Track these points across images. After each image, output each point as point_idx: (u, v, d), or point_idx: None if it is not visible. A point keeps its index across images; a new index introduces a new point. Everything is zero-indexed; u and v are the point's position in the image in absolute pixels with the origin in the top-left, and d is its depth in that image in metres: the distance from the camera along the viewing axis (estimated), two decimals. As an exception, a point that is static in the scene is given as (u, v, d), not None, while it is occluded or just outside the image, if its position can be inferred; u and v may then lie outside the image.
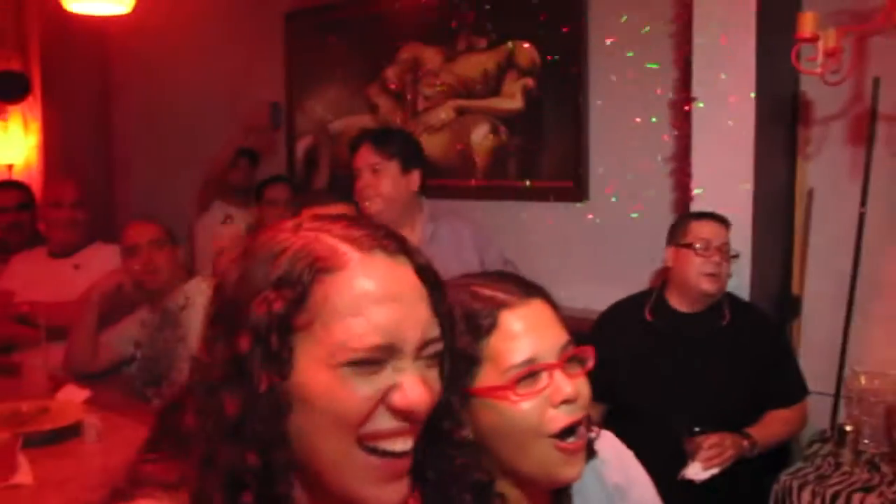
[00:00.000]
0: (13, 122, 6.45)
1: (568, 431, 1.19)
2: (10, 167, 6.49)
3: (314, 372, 0.86)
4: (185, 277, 3.22)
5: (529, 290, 1.27)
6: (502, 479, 1.24)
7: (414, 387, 0.87)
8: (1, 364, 3.21)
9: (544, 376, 1.19)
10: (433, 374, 0.93)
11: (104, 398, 2.79)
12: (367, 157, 2.97)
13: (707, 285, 2.76)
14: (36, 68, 6.11)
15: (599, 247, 3.87)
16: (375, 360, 0.86)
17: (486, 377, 1.20)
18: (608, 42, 3.82)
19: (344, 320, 0.86)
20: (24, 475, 2.14)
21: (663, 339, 2.80)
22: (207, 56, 5.02)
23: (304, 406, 0.86)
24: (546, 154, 4.07)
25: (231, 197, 4.71)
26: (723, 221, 2.85)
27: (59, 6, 3.03)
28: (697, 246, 2.77)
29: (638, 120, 3.70)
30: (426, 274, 0.94)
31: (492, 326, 1.21)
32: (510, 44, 4.15)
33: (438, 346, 0.93)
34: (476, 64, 4.30)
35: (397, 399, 0.87)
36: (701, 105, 3.09)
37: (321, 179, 4.70)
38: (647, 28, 3.65)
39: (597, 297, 3.17)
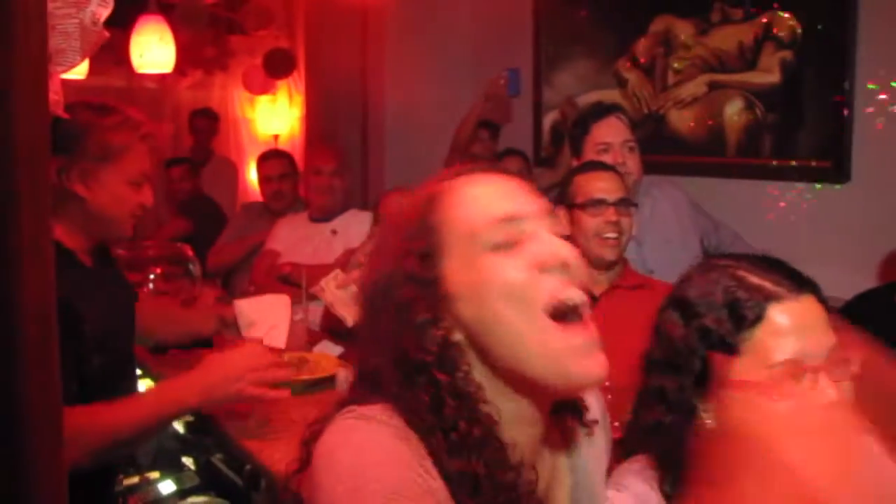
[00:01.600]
0: (280, 96, 6.94)
1: None
2: (276, 137, 6.99)
3: (468, 272, 0.98)
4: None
5: (802, 284, 1.21)
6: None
7: (556, 242, 0.99)
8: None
9: (808, 378, 1.14)
10: (561, 225, 1.08)
11: (356, 354, 2.95)
12: (620, 131, 2.91)
13: None
14: (300, 46, 6.52)
15: (857, 233, 3.60)
16: (508, 239, 0.97)
17: (745, 369, 1.16)
18: (882, 10, 3.53)
19: (469, 219, 0.99)
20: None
21: None
22: (456, 28, 5.14)
23: (477, 305, 0.97)
24: (804, 132, 3.84)
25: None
26: None
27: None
28: None
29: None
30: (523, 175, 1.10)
31: (758, 319, 1.17)
32: (769, 14, 3.94)
33: (552, 211, 1.05)
34: (731, 36, 4.12)
35: (545, 256, 0.97)
36: None
37: (567, 154, 4.69)
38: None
39: (844, 286, 2.96)
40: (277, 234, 4.14)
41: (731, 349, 1.17)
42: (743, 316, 1.17)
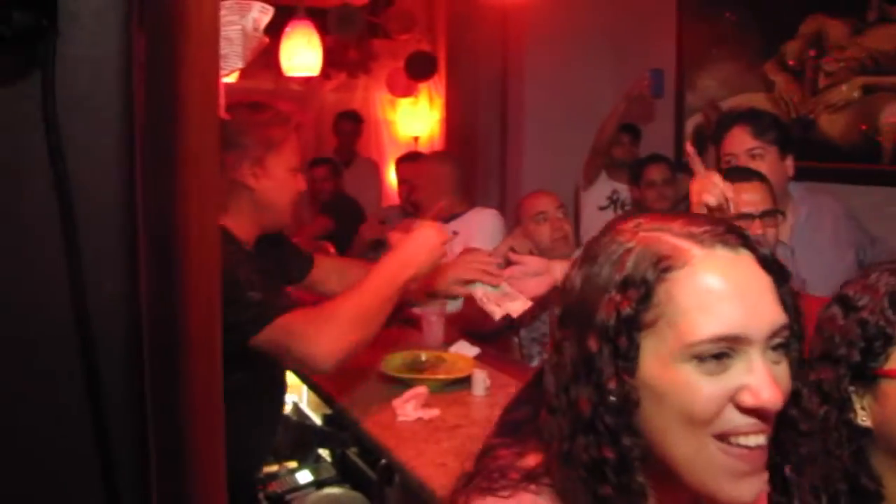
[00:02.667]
0: (421, 99, 7.04)
1: None
2: (416, 139, 7.10)
3: (661, 369, 0.88)
4: (573, 249, 3.31)
5: None
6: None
7: (764, 386, 0.86)
8: (406, 317, 3.53)
9: None
10: (782, 369, 0.90)
11: (491, 356, 2.97)
12: (744, 141, 2.79)
13: None
14: (442, 49, 6.60)
15: None
16: (721, 352, 0.86)
17: None
18: None
19: (688, 315, 0.87)
20: (433, 412, 2.41)
21: None
22: (597, 30, 5.09)
23: (652, 402, 0.88)
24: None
25: (616, 171, 4.75)
26: None
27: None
28: None
29: None
30: (770, 264, 0.92)
31: None
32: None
33: (786, 335, 0.90)
34: (889, 36, 3.93)
35: (747, 399, 0.86)
36: None
37: (711, 160, 4.58)
38: None
39: None
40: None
41: (890, 340, 1.17)
42: None
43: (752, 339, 0.87)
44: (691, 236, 0.91)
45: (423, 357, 2.79)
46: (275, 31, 4.63)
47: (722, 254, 0.89)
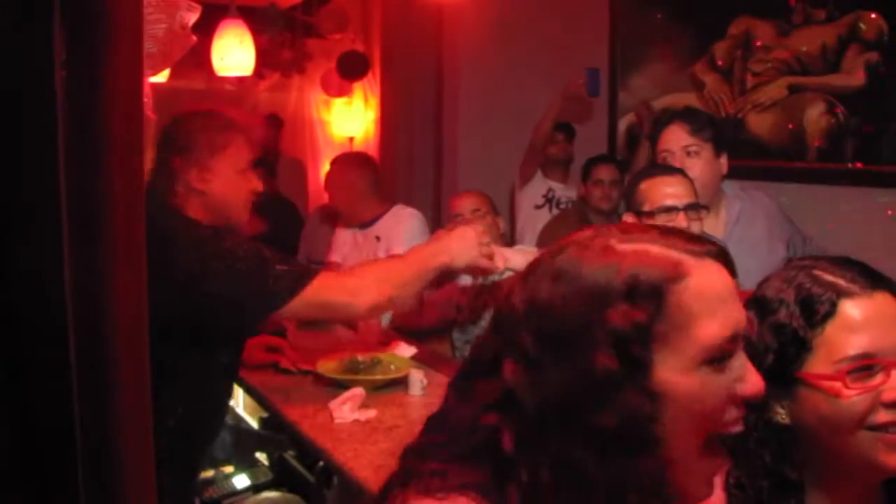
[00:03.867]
0: (356, 99, 7.01)
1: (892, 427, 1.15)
2: (351, 139, 7.06)
3: (681, 376, 0.90)
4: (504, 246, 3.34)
5: (876, 281, 1.21)
6: (816, 480, 1.22)
7: (755, 374, 0.94)
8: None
9: (880, 373, 1.15)
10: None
11: (428, 356, 2.98)
12: (680, 138, 2.84)
13: None
14: (376, 49, 6.57)
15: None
16: (728, 353, 0.92)
17: (815, 364, 1.18)
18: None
19: (700, 322, 0.90)
20: (370, 413, 2.42)
21: None
22: (531, 30, 5.13)
23: (668, 411, 0.89)
24: (889, 136, 3.74)
25: (551, 170, 4.79)
26: None
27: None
28: None
29: None
30: (733, 270, 0.98)
31: (829, 314, 1.18)
32: (853, 15, 3.85)
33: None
34: (813, 38, 4.03)
35: (747, 388, 0.93)
36: None
37: (643, 158, 4.65)
38: None
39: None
40: (336, 244, 4.19)
41: (804, 344, 1.19)
42: (815, 311, 1.19)
43: (739, 335, 0.94)
44: (678, 248, 0.94)
45: (360, 358, 2.78)
46: (206, 29, 4.58)
47: (710, 262, 0.95)
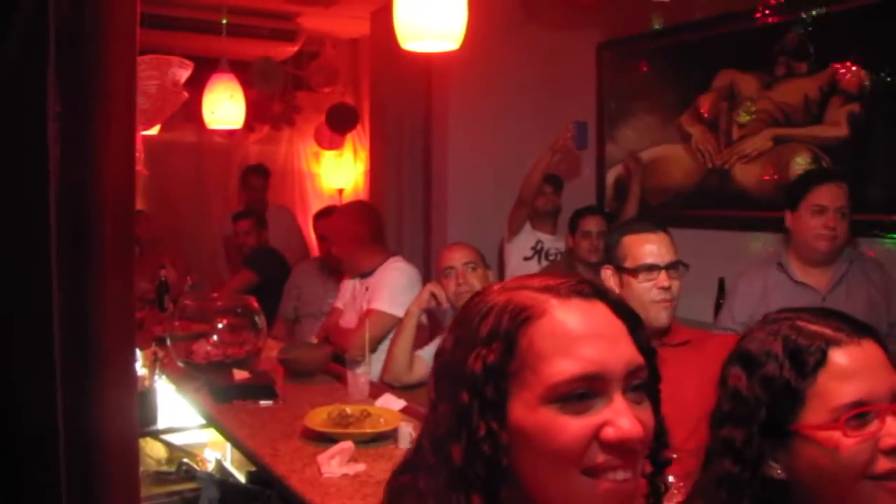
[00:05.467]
0: (346, 151, 7.06)
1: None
2: (340, 191, 7.10)
3: (528, 413, 0.91)
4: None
5: (860, 329, 1.23)
6: None
7: (625, 420, 0.89)
8: (331, 371, 3.51)
9: (875, 420, 1.15)
10: (645, 408, 0.94)
11: (417, 408, 2.95)
12: (838, 197, 3.02)
13: None
14: (366, 102, 6.65)
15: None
16: (582, 392, 0.90)
17: (810, 415, 1.18)
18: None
19: (549, 360, 0.91)
20: (358, 467, 2.38)
21: None
22: (520, 83, 5.19)
23: (521, 446, 0.91)
24: (874, 185, 3.78)
25: (540, 222, 4.82)
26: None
27: (390, 46, 3.27)
28: None
29: None
30: (623, 311, 0.97)
31: (819, 363, 1.19)
32: (834, 67, 3.91)
33: (643, 375, 0.95)
34: (796, 90, 4.10)
35: (609, 433, 0.89)
36: None
37: (631, 209, 4.68)
38: None
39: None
40: (340, 291, 4.23)
41: (796, 396, 1.19)
42: (804, 361, 1.19)
43: (611, 377, 0.91)
44: (548, 289, 0.96)
45: (349, 411, 2.75)
46: (197, 83, 4.61)
47: (577, 302, 0.95)
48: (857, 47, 3.81)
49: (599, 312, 0.95)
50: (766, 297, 3.07)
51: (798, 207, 3.09)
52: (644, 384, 0.95)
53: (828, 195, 3.03)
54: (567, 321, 0.93)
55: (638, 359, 0.94)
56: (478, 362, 0.93)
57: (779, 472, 1.21)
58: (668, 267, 2.43)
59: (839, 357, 1.18)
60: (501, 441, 0.91)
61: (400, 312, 3.67)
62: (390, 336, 3.65)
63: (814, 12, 3.96)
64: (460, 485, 0.92)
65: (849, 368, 1.18)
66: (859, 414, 1.15)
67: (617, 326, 0.95)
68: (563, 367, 0.90)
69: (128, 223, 0.68)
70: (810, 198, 3.06)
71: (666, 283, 2.40)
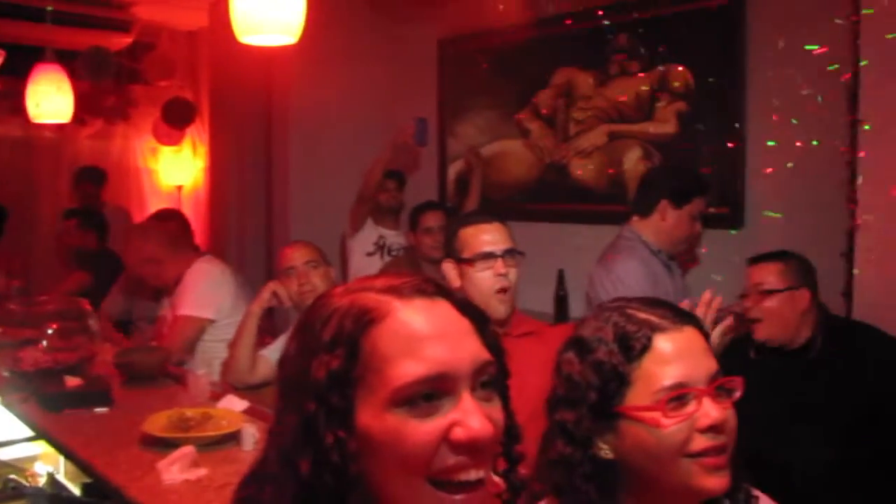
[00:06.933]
0: (185, 147, 6.86)
1: (710, 452, 1.22)
2: (179, 188, 6.89)
3: (375, 419, 0.89)
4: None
5: (684, 317, 1.30)
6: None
7: (474, 418, 0.88)
8: (171, 374, 3.40)
9: (693, 401, 1.23)
10: (494, 405, 0.93)
11: (260, 409, 2.90)
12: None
13: None
14: (205, 96, 6.48)
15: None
16: (428, 393, 0.88)
17: (635, 397, 1.25)
18: (768, 62, 3.70)
19: (393, 363, 0.89)
20: (200, 472, 2.32)
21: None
22: (361, 78, 5.18)
23: (370, 453, 0.89)
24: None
25: (382, 218, 4.82)
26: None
27: (229, 39, 3.19)
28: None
29: (799, 144, 3.56)
30: (468, 309, 0.96)
31: (644, 349, 1.26)
32: (663, 67, 4.09)
33: (492, 371, 0.93)
34: (628, 88, 4.27)
35: (458, 433, 0.88)
36: (868, 127, 2.96)
37: (472, 203, 4.75)
38: (813, 46, 3.50)
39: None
40: (165, 300, 4.12)
41: (623, 379, 1.25)
42: (631, 347, 1.26)
43: (458, 376, 0.89)
44: (391, 290, 0.94)
45: (189, 414, 2.67)
46: (21, 74, 4.38)
47: (420, 302, 0.93)
48: (684, 49, 4.00)
49: (443, 311, 0.94)
50: (657, 282, 3.19)
51: (682, 207, 3.24)
52: (492, 381, 0.93)
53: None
54: (411, 322, 0.91)
55: (484, 355, 0.92)
56: (321, 369, 0.90)
57: (606, 451, 1.27)
58: (505, 254, 2.47)
59: (662, 343, 1.25)
60: (349, 449, 0.88)
61: (206, 313, 3.75)
62: (212, 336, 3.72)
63: (643, 15, 4.13)
64: (308, 496, 0.89)
65: (670, 353, 1.25)
66: (679, 396, 1.22)
67: (462, 324, 0.94)
68: (408, 369, 0.88)
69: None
70: (696, 204, 3.26)
71: (503, 270, 2.44)
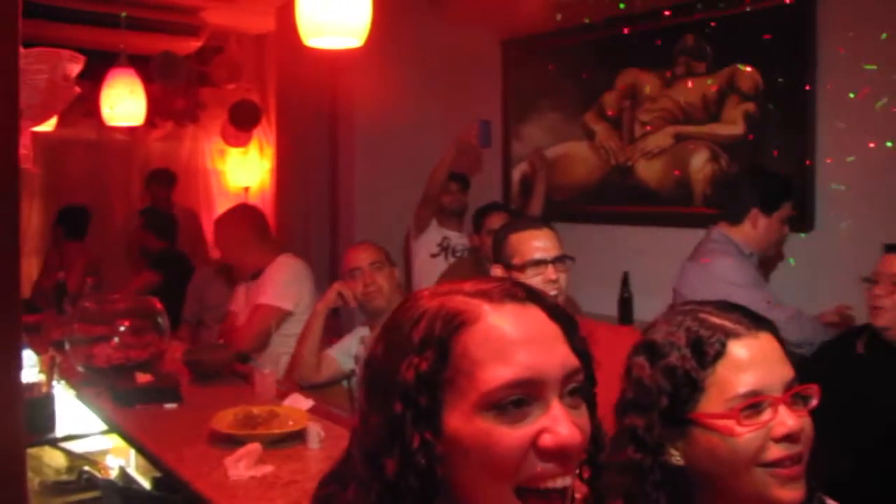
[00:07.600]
0: (251, 148, 6.96)
1: (785, 461, 1.19)
2: (246, 189, 6.99)
3: (463, 423, 0.88)
4: (402, 297, 3.34)
5: (759, 322, 1.27)
6: None
7: (562, 425, 0.88)
8: (238, 371, 3.45)
9: (768, 409, 1.20)
10: (581, 413, 0.93)
11: (325, 408, 2.93)
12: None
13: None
14: (271, 98, 6.56)
15: (824, 280, 3.65)
16: (518, 399, 0.88)
17: (708, 404, 1.22)
18: (839, 60, 3.62)
19: (484, 367, 0.88)
20: (266, 469, 2.35)
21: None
22: (425, 80, 5.19)
23: (457, 457, 0.88)
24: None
25: (446, 219, 4.83)
26: None
27: (295, 42, 3.23)
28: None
29: (872, 145, 3.48)
30: (557, 314, 0.95)
31: (719, 354, 1.23)
32: (731, 67, 4.03)
33: (580, 378, 0.93)
34: (695, 89, 4.21)
35: (547, 440, 0.87)
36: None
37: (536, 205, 4.73)
38: (885, 35, 3.40)
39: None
40: (235, 296, 4.19)
41: (696, 385, 1.23)
42: (705, 352, 1.23)
43: (547, 382, 0.89)
44: (481, 293, 0.94)
45: (256, 412, 2.71)
46: (96, 78, 4.48)
47: (510, 307, 0.93)
48: (752, 49, 3.93)
49: (534, 316, 0.93)
50: (759, 283, 3.25)
51: (772, 214, 3.27)
52: (580, 388, 0.93)
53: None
54: (501, 326, 0.91)
55: (574, 362, 0.92)
56: (410, 370, 0.90)
57: (677, 458, 1.25)
58: (555, 261, 2.49)
59: (737, 349, 1.23)
60: (436, 452, 0.88)
61: (287, 305, 3.80)
62: (285, 330, 3.75)
63: (710, 15, 4.07)
64: (393, 498, 0.89)
65: (746, 360, 1.22)
66: (754, 404, 1.20)
67: (552, 330, 0.93)
68: (499, 373, 0.87)
69: (10, 221, 0.65)
70: (785, 209, 3.28)
71: (554, 276, 2.47)
